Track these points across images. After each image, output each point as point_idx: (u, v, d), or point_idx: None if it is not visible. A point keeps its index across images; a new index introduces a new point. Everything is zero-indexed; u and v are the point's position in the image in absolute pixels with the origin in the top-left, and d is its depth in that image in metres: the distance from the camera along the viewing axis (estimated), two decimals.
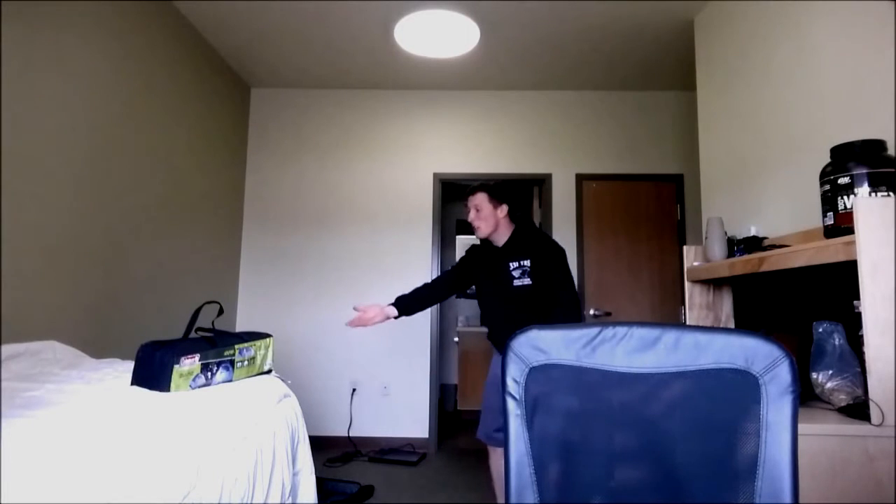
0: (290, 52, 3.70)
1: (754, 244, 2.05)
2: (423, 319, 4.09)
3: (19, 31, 2.04)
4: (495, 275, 2.16)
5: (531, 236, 2.17)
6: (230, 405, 1.33)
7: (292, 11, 3.16)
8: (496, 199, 2.18)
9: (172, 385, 1.32)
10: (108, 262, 2.58)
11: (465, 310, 5.90)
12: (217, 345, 1.47)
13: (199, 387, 1.39)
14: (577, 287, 2.12)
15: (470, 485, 3.18)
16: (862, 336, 1.31)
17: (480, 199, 2.19)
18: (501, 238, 2.19)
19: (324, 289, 4.12)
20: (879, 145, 1.51)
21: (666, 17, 3.17)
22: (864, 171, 1.45)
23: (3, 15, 1.96)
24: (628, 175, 4.19)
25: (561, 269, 2.07)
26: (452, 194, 5.85)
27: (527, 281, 2.07)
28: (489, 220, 2.17)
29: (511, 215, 2.21)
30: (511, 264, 2.11)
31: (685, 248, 2.35)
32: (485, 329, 2.21)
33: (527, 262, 2.08)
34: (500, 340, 2.10)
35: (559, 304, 2.00)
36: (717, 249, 2.14)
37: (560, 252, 2.10)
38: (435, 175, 4.22)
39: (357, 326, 2.18)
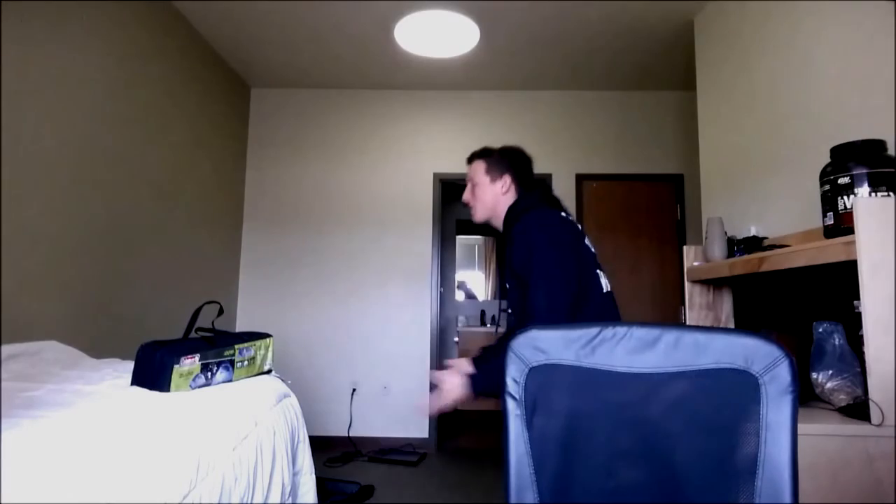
0: (290, 52, 3.70)
1: (754, 244, 2.05)
2: (423, 319, 4.09)
3: (19, 30, 2.04)
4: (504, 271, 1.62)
5: (510, 218, 1.56)
6: (230, 405, 1.33)
7: (292, 12, 3.16)
8: (497, 169, 1.61)
9: (172, 385, 1.32)
10: (108, 262, 2.58)
11: (466, 310, 5.90)
12: (217, 345, 1.47)
13: (199, 387, 1.39)
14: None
15: (470, 485, 3.18)
16: (862, 336, 1.31)
17: (476, 170, 1.65)
18: (501, 220, 1.62)
19: (324, 288, 4.12)
20: (879, 145, 1.50)
21: (666, 17, 3.17)
22: (864, 171, 1.45)
23: (2, 14, 1.95)
24: (628, 175, 4.19)
25: (528, 260, 1.40)
26: (452, 194, 5.85)
27: (514, 282, 1.50)
28: (485, 198, 1.61)
29: (523, 186, 1.61)
30: (508, 258, 1.53)
31: (685, 248, 2.35)
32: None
33: (510, 252, 1.49)
34: None
35: (530, 315, 1.36)
36: (717, 249, 2.14)
37: (526, 234, 1.43)
38: (435, 175, 4.22)
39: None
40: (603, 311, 1.46)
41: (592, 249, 1.56)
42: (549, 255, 1.39)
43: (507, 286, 1.56)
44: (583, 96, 4.28)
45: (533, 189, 1.63)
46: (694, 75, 3.14)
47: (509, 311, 1.58)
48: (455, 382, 1.36)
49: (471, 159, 1.69)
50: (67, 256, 2.31)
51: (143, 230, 2.85)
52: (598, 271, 1.51)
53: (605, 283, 1.52)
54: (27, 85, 2.09)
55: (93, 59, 2.45)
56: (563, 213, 1.55)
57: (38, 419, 1.01)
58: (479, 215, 1.65)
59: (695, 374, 0.74)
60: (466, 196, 1.67)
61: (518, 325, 1.48)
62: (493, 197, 1.61)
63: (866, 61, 1.85)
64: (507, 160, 1.63)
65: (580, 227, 1.56)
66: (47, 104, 2.19)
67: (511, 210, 1.58)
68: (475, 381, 1.36)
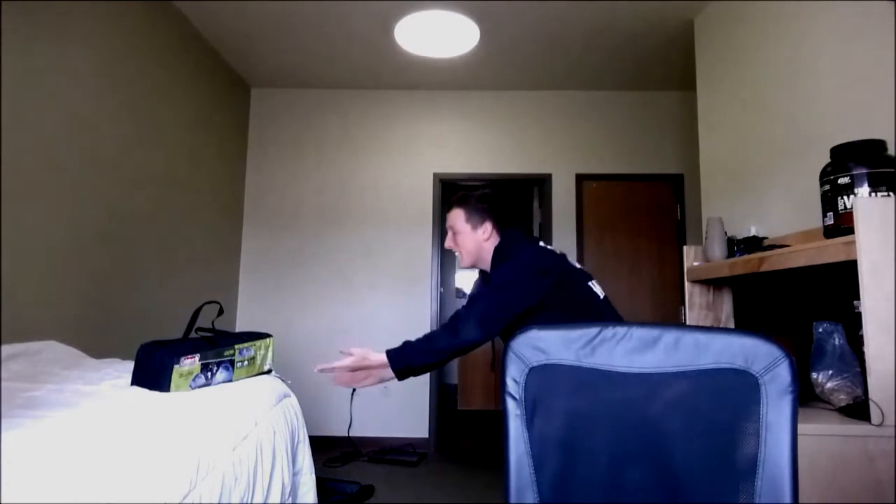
0: (290, 52, 3.70)
1: (754, 244, 2.05)
2: (424, 319, 4.09)
3: (19, 30, 2.04)
4: None
5: (500, 256, 1.65)
6: (230, 405, 1.33)
7: (292, 11, 3.16)
8: (477, 216, 1.68)
9: (172, 385, 1.32)
10: (108, 262, 2.58)
11: None
12: (217, 345, 1.47)
13: (199, 387, 1.39)
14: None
15: (470, 485, 3.18)
16: (862, 336, 1.31)
17: (456, 218, 1.70)
18: (488, 264, 1.70)
19: (324, 289, 4.12)
20: (879, 145, 1.51)
21: (666, 17, 3.17)
22: (864, 171, 1.45)
23: (2, 15, 1.96)
24: (628, 175, 4.19)
25: (498, 274, 1.57)
26: (452, 194, 5.85)
27: None
28: (468, 246, 1.69)
29: (501, 227, 1.70)
30: None
31: (685, 248, 2.35)
32: None
33: None
34: None
35: (470, 306, 1.54)
36: (717, 249, 2.14)
37: (511, 259, 1.58)
38: (435, 175, 4.22)
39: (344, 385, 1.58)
40: (604, 315, 1.58)
41: (578, 266, 1.68)
42: (510, 277, 1.53)
43: None
44: (583, 96, 4.28)
45: (510, 225, 1.72)
46: (694, 75, 3.14)
47: None
48: (379, 356, 1.52)
49: (449, 206, 1.75)
50: (67, 256, 2.31)
51: (142, 230, 2.85)
52: (589, 283, 1.62)
53: (600, 291, 1.64)
54: (27, 85, 2.08)
55: (92, 59, 2.45)
56: (541, 244, 1.69)
57: (39, 419, 1.01)
58: (466, 262, 1.72)
59: (695, 375, 0.74)
60: (449, 244, 1.74)
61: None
62: (475, 244, 1.69)
63: (866, 61, 1.85)
64: (484, 205, 1.70)
65: (558, 252, 1.67)
66: (47, 104, 2.19)
67: (498, 251, 1.66)
68: (391, 355, 1.52)
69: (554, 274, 1.54)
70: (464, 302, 5.47)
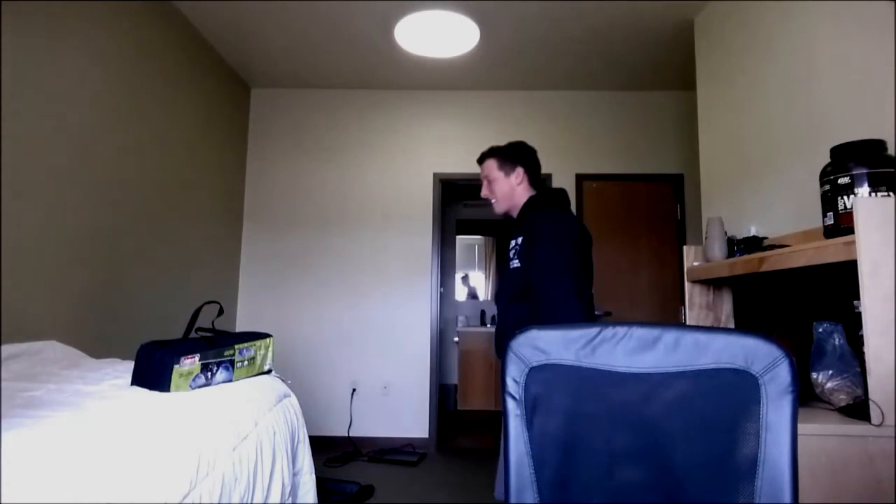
0: (290, 52, 3.70)
1: (754, 244, 2.05)
2: (423, 319, 4.09)
3: (18, 30, 2.04)
4: (503, 259, 1.78)
5: (532, 206, 1.76)
6: (230, 405, 1.33)
7: (292, 11, 3.16)
8: (509, 163, 1.80)
9: (172, 385, 1.32)
10: (108, 263, 2.58)
11: (465, 310, 5.90)
12: (217, 345, 1.47)
13: (199, 387, 1.39)
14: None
15: (470, 485, 3.18)
16: (862, 336, 1.31)
17: (489, 168, 1.83)
18: (518, 208, 1.81)
19: (324, 289, 4.12)
20: (879, 145, 1.50)
21: (666, 17, 3.17)
22: (864, 171, 1.45)
23: (2, 15, 1.96)
24: (628, 175, 4.19)
25: (545, 247, 1.60)
26: (452, 194, 5.85)
27: (516, 263, 1.67)
28: (503, 190, 1.80)
29: (533, 180, 1.82)
30: (511, 242, 1.73)
31: (685, 248, 2.35)
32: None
33: (519, 239, 1.69)
34: (499, 340, 1.73)
35: (545, 297, 1.56)
36: (717, 249, 2.14)
37: (548, 226, 1.64)
38: (435, 175, 4.22)
39: None
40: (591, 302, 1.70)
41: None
42: (572, 259, 1.59)
43: (513, 262, 1.68)
44: (583, 96, 4.28)
45: (544, 186, 1.84)
46: (694, 75, 3.14)
47: (498, 296, 1.76)
48: None
49: (482, 159, 1.87)
50: (67, 256, 2.31)
51: (142, 230, 2.85)
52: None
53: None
54: (28, 85, 2.08)
55: (91, 59, 2.45)
56: (572, 213, 1.80)
57: (39, 419, 1.01)
58: (500, 207, 1.84)
59: (695, 374, 0.74)
60: (485, 192, 1.86)
61: (537, 311, 1.59)
62: (509, 188, 1.81)
63: (866, 61, 1.85)
64: (515, 153, 1.83)
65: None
66: (47, 104, 2.19)
67: (533, 200, 1.77)
68: None
69: (581, 243, 1.65)
70: (466, 300, 5.43)
